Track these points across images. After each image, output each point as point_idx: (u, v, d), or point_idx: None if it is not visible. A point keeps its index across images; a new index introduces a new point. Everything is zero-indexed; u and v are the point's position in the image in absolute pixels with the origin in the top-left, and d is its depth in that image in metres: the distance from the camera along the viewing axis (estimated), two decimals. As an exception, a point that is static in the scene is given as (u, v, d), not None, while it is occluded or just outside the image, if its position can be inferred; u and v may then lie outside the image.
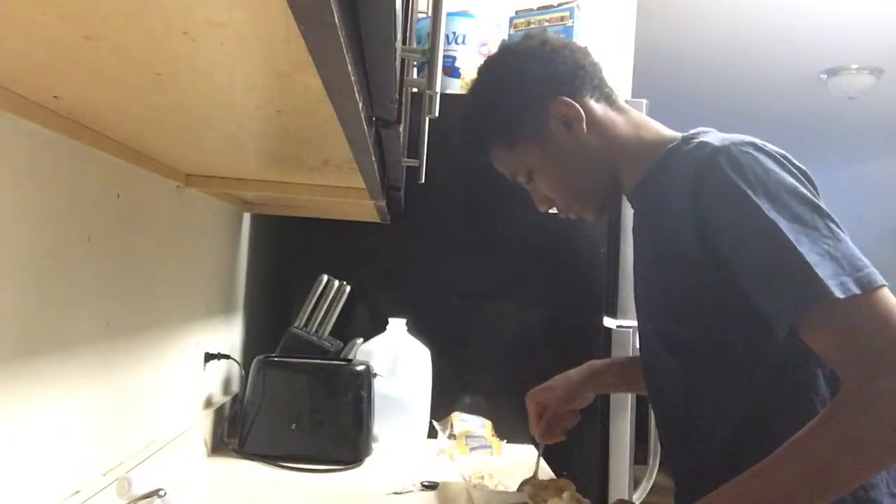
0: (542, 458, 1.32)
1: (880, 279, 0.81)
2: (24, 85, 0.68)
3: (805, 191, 0.86)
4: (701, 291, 0.94)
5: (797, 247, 0.82)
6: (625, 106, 1.09)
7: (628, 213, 1.89)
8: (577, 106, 1.04)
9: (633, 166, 1.05)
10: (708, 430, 0.98)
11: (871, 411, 0.76)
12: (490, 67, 1.11)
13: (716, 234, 0.89)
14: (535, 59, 1.06)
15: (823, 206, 0.86)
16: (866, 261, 0.82)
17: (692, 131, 1.02)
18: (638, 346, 1.17)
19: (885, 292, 0.80)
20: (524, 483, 1.29)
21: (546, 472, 1.36)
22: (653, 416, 1.13)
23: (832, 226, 0.84)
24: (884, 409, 0.76)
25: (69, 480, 0.89)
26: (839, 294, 0.79)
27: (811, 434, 0.79)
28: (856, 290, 0.79)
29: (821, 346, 0.82)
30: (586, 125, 1.04)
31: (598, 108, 1.06)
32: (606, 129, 1.05)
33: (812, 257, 0.81)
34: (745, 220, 0.86)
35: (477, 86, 1.12)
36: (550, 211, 1.15)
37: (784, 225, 0.83)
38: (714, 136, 0.96)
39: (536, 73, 1.05)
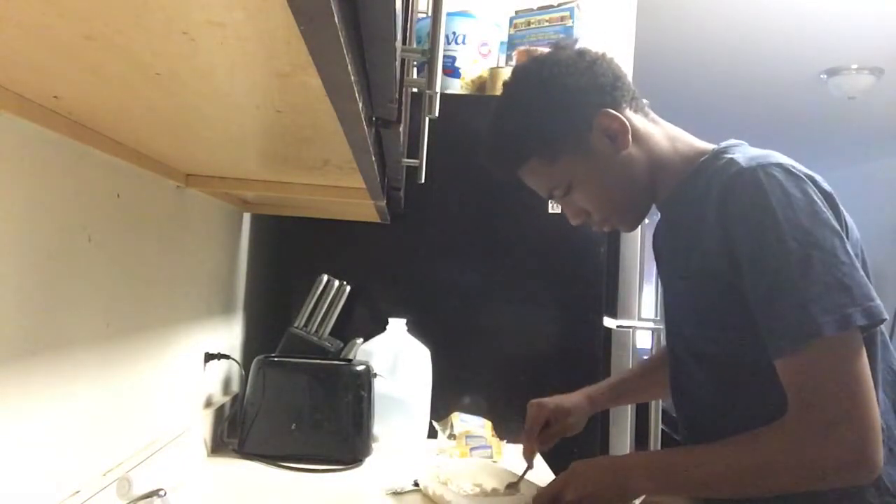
0: (527, 472, 1.30)
1: (884, 313, 0.85)
2: (24, 85, 0.68)
3: (827, 216, 0.87)
4: (730, 308, 0.95)
5: (799, 281, 0.84)
6: (657, 117, 1.09)
7: (628, 213, 1.90)
8: (623, 118, 1.02)
9: (667, 178, 1.06)
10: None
11: (791, 442, 0.85)
12: (527, 79, 1.07)
13: (740, 255, 0.90)
14: (576, 70, 1.03)
15: (843, 232, 0.88)
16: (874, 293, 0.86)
17: (724, 144, 1.02)
18: (653, 350, 1.18)
19: (882, 329, 0.89)
20: (509, 486, 1.28)
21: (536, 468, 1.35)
22: (680, 425, 1.13)
23: (850, 252, 0.86)
24: (804, 444, 0.84)
25: (69, 480, 0.89)
26: (832, 331, 0.82)
27: (742, 442, 0.89)
28: (861, 322, 0.83)
29: (785, 375, 0.88)
30: (630, 137, 1.03)
31: (637, 119, 1.05)
32: (646, 141, 1.05)
33: (814, 290, 0.84)
34: (762, 244, 0.87)
35: (512, 97, 1.08)
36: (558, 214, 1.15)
37: (797, 255, 0.85)
38: (743, 155, 0.95)
39: (580, 84, 1.03)
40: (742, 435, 0.89)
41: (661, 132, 1.07)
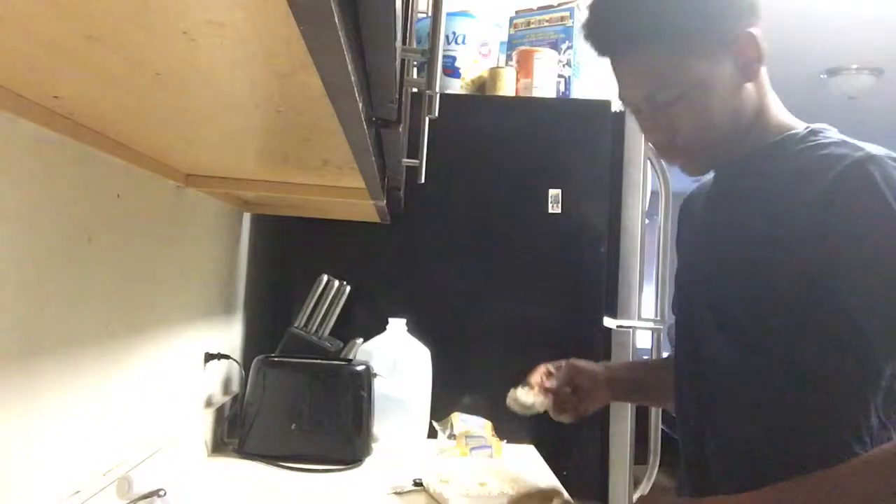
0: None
1: None
2: (24, 85, 0.68)
3: None
4: (787, 294, 0.87)
5: None
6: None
7: (628, 213, 1.90)
8: (762, 47, 0.90)
9: (744, 136, 0.94)
10: (738, 444, 0.95)
11: None
12: None
13: (839, 244, 0.83)
14: None
15: None
16: None
17: (815, 126, 0.94)
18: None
19: None
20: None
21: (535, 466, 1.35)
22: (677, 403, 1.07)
23: None
24: None
25: (69, 480, 0.89)
26: None
27: (878, 463, 0.77)
28: None
29: None
30: (759, 73, 0.93)
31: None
32: (761, 88, 0.94)
33: None
34: (881, 240, 0.81)
35: None
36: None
37: None
38: (857, 143, 0.88)
39: None
40: (871, 455, 0.80)
41: (763, 83, 0.95)
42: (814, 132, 0.93)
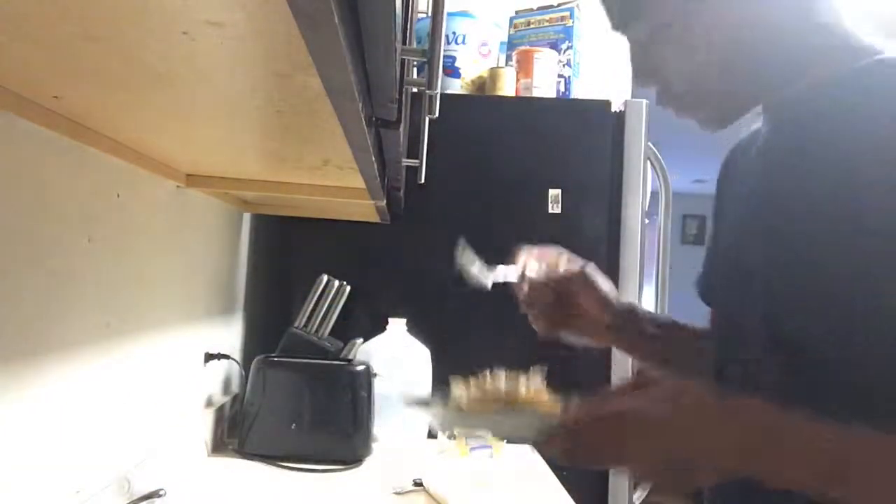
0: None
1: None
2: (24, 85, 0.68)
3: None
4: (855, 283, 0.62)
5: None
6: None
7: (628, 213, 1.90)
8: None
9: (796, 65, 0.73)
10: None
11: None
12: None
13: None
14: None
15: None
16: None
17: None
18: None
19: None
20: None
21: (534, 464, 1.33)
22: None
23: None
24: None
25: (69, 480, 0.89)
26: None
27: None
28: None
29: None
30: None
31: None
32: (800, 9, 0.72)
33: None
34: None
35: None
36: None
37: None
38: None
39: None
40: None
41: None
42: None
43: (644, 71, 0.80)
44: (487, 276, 1.01)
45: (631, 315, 1.02)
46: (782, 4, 0.72)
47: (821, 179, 0.66)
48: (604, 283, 1.02)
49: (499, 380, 0.85)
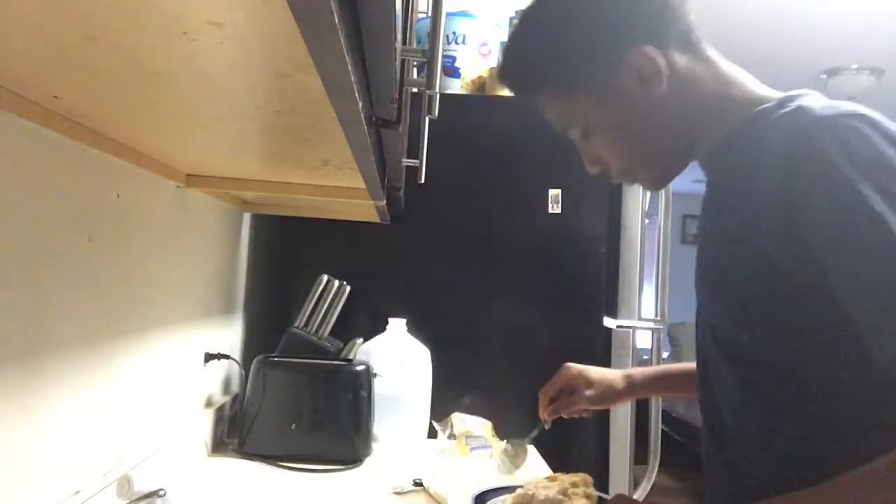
0: (538, 430, 1.30)
1: None
2: (24, 85, 0.68)
3: None
4: (769, 295, 0.76)
5: None
6: (714, 56, 0.89)
7: (628, 213, 1.90)
8: (660, 59, 0.85)
9: (711, 128, 0.87)
10: (747, 450, 0.82)
11: None
12: None
13: (808, 231, 0.70)
14: None
15: None
16: None
17: (791, 93, 0.82)
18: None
19: None
20: (513, 444, 1.27)
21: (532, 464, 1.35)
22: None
23: None
24: None
25: (69, 480, 0.89)
26: None
27: (873, 471, 0.64)
28: None
29: None
30: (666, 82, 0.85)
31: (681, 60, 0.86)
32: (688, 86, 0.86)
33: None
34: (849, 218, 0.67)
35: (536, 10, 0.92)
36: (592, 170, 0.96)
37: (892, 224, 0.65)
38: (816, 101, 0.77)
39: (616, 11, 0.86)
40: (869, 466, 0.65)
41: (711, 75, 0.87)
42: (781, 102, 0.81)
43: (587, 160, 0.95)
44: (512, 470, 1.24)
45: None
46: (686, 88, 0.86)
47: (719, 214, 0.86)
48: (589, 369, 1.25)
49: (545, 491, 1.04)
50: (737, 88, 0.88)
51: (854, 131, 0.70)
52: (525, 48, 0.93)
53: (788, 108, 0.78)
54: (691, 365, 1.18)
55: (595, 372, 1.24)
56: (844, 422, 0.73)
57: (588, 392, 1.23)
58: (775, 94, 0.84)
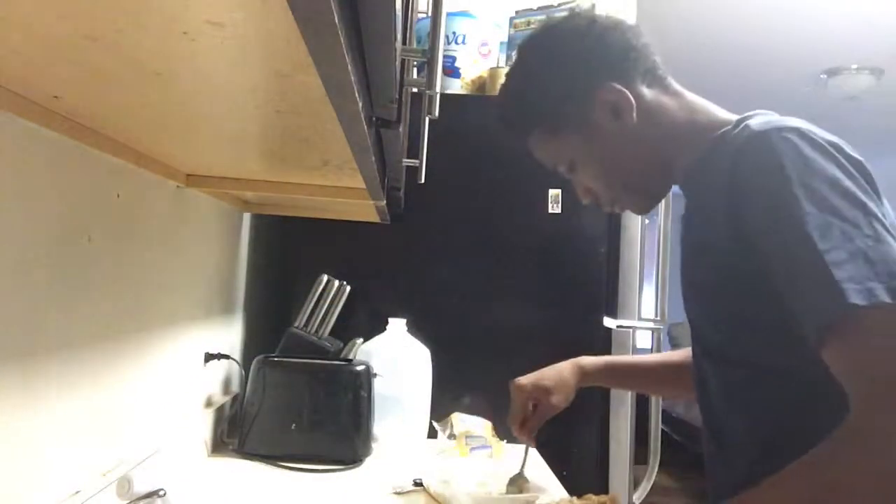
0: (528, 452, 1.33)
1: None
2: (24, 85, 0.68)
3: (850, 184, 0.76)
4: (731, 292, 0.87)
5: (819, 244, 0.72)
6: (679, 89, 1.01)
7: (628, 212, 1.90)
8: (627, 93, 0.96)
9: (684, 152, 0.97)
10: (741, 448, 0.90)
11: (860, 450, 0.67)
12: (534, 46, 1.03)
13: (751, 229, 0.81)
14: (583, 40, 0.98)
15: (871, 203, 0.76)
16: None
17: (745, 114, 0.93)
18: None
19: None
20: (512, 480, 1.29)
21: (533, 464, 1.35)
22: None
23: (876, 225, 0.74)
24: (876, 449, 0.66)
25: (69, 480, 0.89)
26: (860, 301, 0.69)
27: (795, 472, 0.70)
28: (885, 299, 0.68)
29: (834, 364, 0.71)
30: (636, 113, 0.96)
31: (649, 93, 0.97)
32: (657, 116, 0.97)
33: (836, 255, 0.71)
34: (778, 214, 0.77)
35: (518, 64, 1.05)
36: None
37: (815, 219, 0.74)
38: (758, 120, 0.87)
39: (584, 56, 0.97)
40: (807, 455, 0.70)
41: (678, 105, 0.98)
42: (739, 122, 0.91)
43: (579, 192, 1.05)
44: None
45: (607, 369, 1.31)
46: (655, 117, 0.97)
47: (693, 228, 0.96)
48: (538, 378, 1.28)
49: None
50: (702, 115, 0.98)
51: (785, 141, 0.80)
52: (512, 98, 1.05)
53: (738, 129, 0.89)
54: (663, 359, 1.32)
55: (548, 378, 1.27)
56: (809, 405, 0.82)
57: (552, 399, 1.25)
58: (734, 118, 0.95)
